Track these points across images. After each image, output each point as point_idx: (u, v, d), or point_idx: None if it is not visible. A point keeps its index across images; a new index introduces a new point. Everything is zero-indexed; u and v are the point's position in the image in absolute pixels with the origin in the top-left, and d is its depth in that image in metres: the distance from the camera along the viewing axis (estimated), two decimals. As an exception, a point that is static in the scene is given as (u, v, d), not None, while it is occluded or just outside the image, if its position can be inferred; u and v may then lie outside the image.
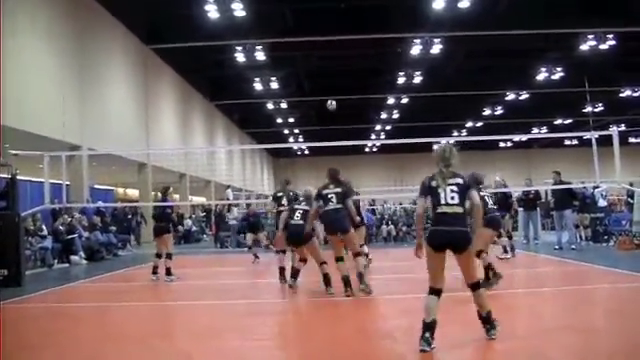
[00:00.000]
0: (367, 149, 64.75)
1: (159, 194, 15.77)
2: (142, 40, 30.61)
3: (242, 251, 22.99)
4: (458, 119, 52.48)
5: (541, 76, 38.02)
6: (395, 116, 49.74)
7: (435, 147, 7.25)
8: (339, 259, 11.01)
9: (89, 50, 24.62)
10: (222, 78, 39.99)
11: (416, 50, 31.88)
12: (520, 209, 23.08)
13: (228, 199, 32.74)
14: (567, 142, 61.73)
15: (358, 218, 12.07)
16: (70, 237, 20.35)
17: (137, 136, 29.91)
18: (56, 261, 19.45)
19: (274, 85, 38.88)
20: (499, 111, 49.05)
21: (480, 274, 8.93)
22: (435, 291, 6.84)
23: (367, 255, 13.85)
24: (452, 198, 6.89)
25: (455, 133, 56.12)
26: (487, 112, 49.86)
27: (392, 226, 28.44)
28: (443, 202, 6.89)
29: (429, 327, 6.68)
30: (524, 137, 60.32)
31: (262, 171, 64.94)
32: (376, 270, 16.11)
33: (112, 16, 26.93)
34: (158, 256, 14.45)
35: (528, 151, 64.59)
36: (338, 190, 11.00)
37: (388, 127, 55.14)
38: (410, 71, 37.06)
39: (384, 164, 64.48)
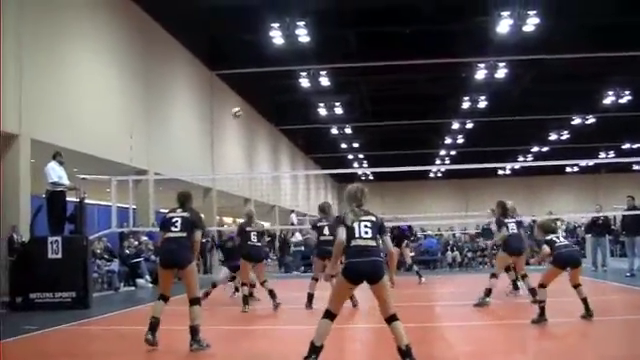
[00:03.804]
0: (431, 174, 64.38)
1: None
2: (207, 66, 31.03)
3: (306, 276, 22.91)
4: (523, 144, 51.86)
5: (608, 100, 37.40)
6: (460, 141, 49.46)
7: (348, 187, 7.57)
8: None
9: (155, 76, 25.06)
10: (287, 103, 40.21)
11: (481, 74, 31.72)
12: (588, 235, 22.65)
13: (292, 224, 32.76)
14: (635, 167, 60.41)
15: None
16: (136, 260, 20.63)
17: (202, 160, 30.24)
18: (122, 284, 19.72)
19: (338, 110, 39.02)
20: (565, 135, 48.36)
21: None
22: (331, 315, 7.02)
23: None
24: (366, 232, 7.07)
25: (520, 158, 55.53)
26: (553, 137, 49.20)
27: (457, 252, 28.11)
28: (357, 236, 7.06)
29: (316, 350, 6.89)
30: (591, 162, 59.23)
31: (326, 196, 64.84)
32: (440, 297, 15.99)
33: (178, 42, 27.37)
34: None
35: (595, 176, 63.41)
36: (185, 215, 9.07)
37: (453, 152, 54.83)
38: (475, 95, 36.83)
39: (449, 189, 64.02)
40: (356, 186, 7.48)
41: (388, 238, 7.49)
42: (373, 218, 7.23)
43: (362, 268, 6.92)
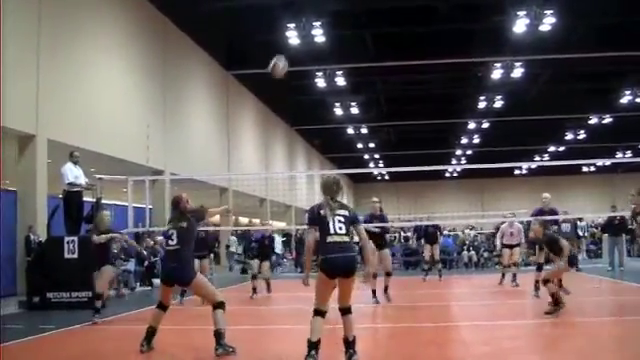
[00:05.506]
0: (447, 174, 64.20)
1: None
2: (223, 66, 31.11)
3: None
4: (540, 143, 51.72)
5: (625, 99, 37.15)
6: (476, 141, 49.37)
7: (324, 178, 7.81)
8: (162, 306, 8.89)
9: (172, 76, 25.15)
10: (303, 103, 40.21)
11: (497, 74, 31.59)
12: (605, 235, 22.51)
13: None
14: (653, 167, 59.90)
15: None
16: (152, 260, 20.68)
17: (218, 161, 30.31)
18: (138, 284, 19.78)
19: (354, 110, 38.97)
20: (582, 135, 48.14)
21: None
22: (321, 313, 7.21)
23: None
24: (340, 228, 7.28)
25: (537, 157, 55.27)
26: (569, 136, 49.00)
27: (473, 252, 27.98)
28: (332, 232, 7.25)
29: (314, 346, 7.06)
30: (608, 161, 58.80)
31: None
32: (456, 297, 15.95)
33: (194, 43, 27.47)
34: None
35: (612, 176, 62.95)
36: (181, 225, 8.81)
37: (469, 152, 54.69)
38: (491, 95, 36.69)
39: (465, 189, 63.74)
40: (332, 177, 7.75)
41: (362, 229, 7.61)
42: (346, 212, 7.46)
43: (339, 263, 7.14)
